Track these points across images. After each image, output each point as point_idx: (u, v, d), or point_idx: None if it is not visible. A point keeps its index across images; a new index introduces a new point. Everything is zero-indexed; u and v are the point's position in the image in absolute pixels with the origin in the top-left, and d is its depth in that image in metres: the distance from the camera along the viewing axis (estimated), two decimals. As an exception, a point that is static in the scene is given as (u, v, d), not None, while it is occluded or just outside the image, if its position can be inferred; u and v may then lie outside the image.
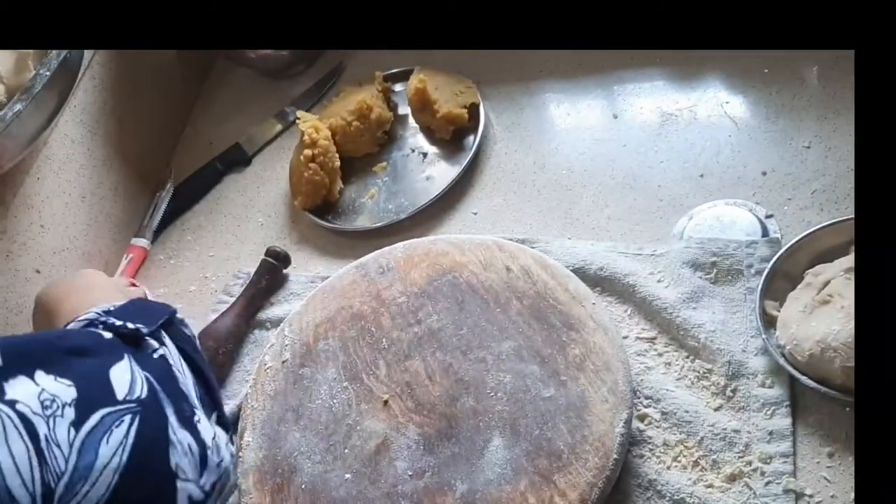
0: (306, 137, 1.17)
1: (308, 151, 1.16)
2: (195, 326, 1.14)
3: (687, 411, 0.84)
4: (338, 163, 1.19)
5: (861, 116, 0.65)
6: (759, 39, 0.90)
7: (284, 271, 1.15)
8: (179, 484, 0.64)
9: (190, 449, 0.65)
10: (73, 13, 0.93)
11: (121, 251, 1.28)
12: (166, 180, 1.34)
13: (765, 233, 0.92)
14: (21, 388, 0.58)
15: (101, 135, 1.26)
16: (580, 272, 0.95)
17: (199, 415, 0.69)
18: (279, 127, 1.35)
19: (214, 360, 1.06)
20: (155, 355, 0.70)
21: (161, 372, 0.69)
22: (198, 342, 0.81)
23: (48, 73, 0.97)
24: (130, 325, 0.71)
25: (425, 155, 1.20)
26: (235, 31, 1.07)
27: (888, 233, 0.60)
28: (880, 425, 0.55)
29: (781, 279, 0.87)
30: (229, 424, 0.77)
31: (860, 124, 0.65)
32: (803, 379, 0.79)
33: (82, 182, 1.22)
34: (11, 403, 0.57)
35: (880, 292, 0.59)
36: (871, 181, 0.62)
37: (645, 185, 1.03)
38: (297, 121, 1.20)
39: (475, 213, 1.11)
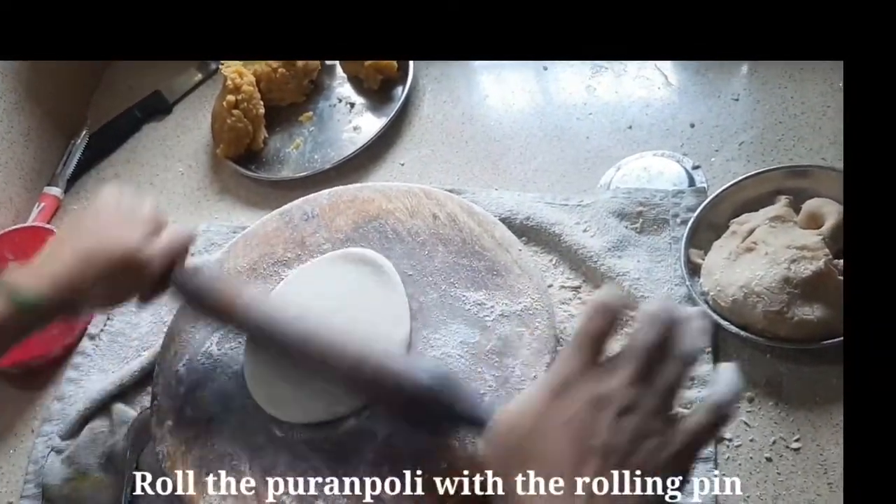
0: (229, 83, 1.13)
1: (231, 97, 1.12)
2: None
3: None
4: (262, 110, 1.15)
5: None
6: (750, 50, 0.90)
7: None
8: None
9: None
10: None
11: (32, 199, 1.23)
12: (81, 127, 1.28)
13: (692, 183, 0.92)
14: None
15: (13, 76, 1.20)
16: (506, 222, 0.93)
17: None
18: (201, 76, 1.31)
19: (129, 309, 1.02)
20: None
21: None
22: None
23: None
24: None
25: (352, 105, 1.17)
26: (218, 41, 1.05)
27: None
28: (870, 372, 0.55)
29: (707, 229, 0.87)
30: None
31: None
32: (725, 324, 0.80)
33: (-9, 125, 1.17)
34: None
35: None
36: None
37: (573, 136, 1.03)
38: (221, 67, 1.16)
39: (402, 164, 1.09)
